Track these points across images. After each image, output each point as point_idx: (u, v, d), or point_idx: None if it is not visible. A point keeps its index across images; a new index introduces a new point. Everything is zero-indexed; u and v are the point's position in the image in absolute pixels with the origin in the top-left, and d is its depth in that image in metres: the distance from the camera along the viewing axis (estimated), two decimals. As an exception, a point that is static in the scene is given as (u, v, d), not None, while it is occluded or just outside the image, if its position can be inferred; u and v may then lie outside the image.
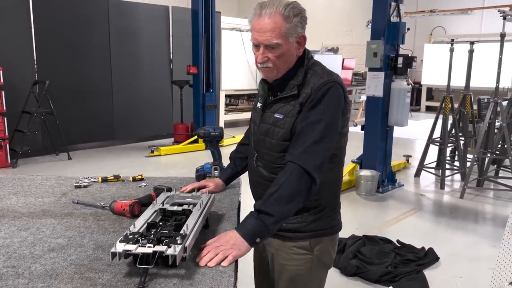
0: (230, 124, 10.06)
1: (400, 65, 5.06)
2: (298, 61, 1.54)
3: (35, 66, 6.71)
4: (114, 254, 1.16)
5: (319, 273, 1.66)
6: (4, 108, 6.01)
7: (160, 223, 1.41)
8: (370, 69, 5.19)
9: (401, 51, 5.20)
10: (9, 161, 6.13)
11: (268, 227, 1.37)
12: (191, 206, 1.50)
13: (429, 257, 3.52)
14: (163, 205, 1.50)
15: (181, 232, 1.27)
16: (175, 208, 1.48)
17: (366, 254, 3.50)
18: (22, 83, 6.44)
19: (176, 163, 6.63)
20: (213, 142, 2.11)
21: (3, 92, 5.97)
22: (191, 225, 1.32)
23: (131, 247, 1.18)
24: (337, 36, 14.44)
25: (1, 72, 5.91)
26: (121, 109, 7.73)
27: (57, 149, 6.77)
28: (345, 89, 1.52)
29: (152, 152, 7.07)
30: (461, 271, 3.37)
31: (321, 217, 1.60)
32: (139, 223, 1.32)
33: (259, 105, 1.66)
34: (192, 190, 1.79)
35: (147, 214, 1.42)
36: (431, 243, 3.73)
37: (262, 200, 1.41)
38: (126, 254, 1.19)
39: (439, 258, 3.53)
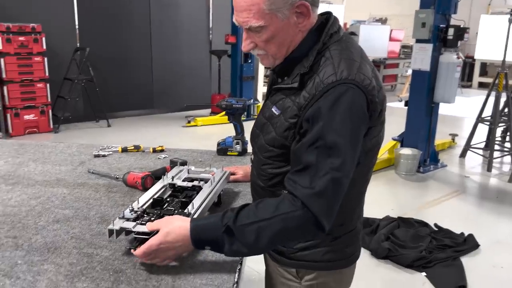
0: (269, 96, 9.90)
1: (451, 37, 4.67)
2: (315, 34, 1.11)
3: (77, 33, 6.79)
4: (111, 231, 1.10)
5: None
6: (47, 74, 6.15)
7: (168, 199, 1.33)
8: (418, 41, 4.84)
9: (452, 22, 4.81)
10: (51, 126, 6.32)
11: (225, 250, 1.04)
12: (202, 182, 1.41)
13: (468, 243, 3.30)
14: (173, 180, 1.42)
15: (185, 211, 1.19)
16: (185, 183, 1.40)
17: (400, 237, 3.33)
18: (64, 50, 6.55)
19: (212, 134, 6.59)
20: (236, 115, 2.00)
21: (45, 59, 6.10)
22: (197, 203, 1.24)
23: (130, 224, 1.11)
24: (387, 5, 13.71)
25: (44, 39, 6.01)
26: (160, 78, 7.75)
27: (97, 116, 6.91)
28: (369, 90, 1.04)
29: (189, 122, 7.07)
30: (502, 260, 3.14)
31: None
32: (144, 199, 1.25)
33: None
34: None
35: (155, 189, 1.35)
36: (472, 229, 3.50)
37: (243, 217, 1.03)
38: (126, 231, 1.13)
39: (479, 245, 3.30)
